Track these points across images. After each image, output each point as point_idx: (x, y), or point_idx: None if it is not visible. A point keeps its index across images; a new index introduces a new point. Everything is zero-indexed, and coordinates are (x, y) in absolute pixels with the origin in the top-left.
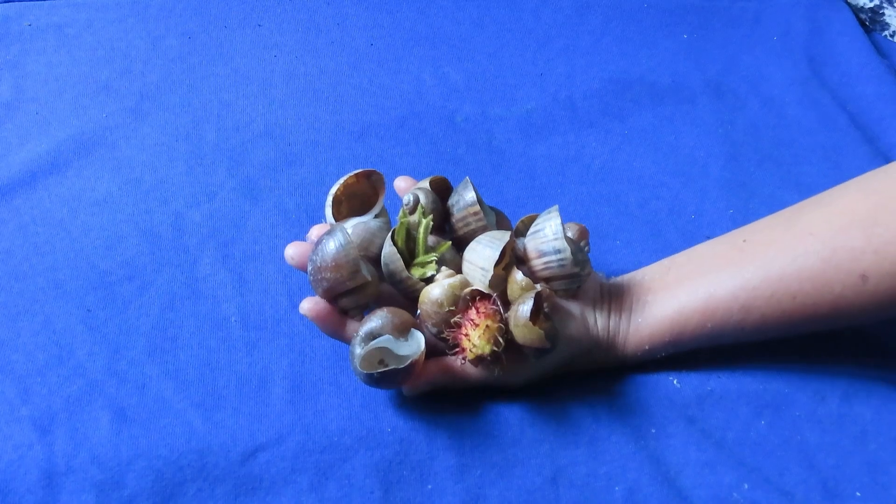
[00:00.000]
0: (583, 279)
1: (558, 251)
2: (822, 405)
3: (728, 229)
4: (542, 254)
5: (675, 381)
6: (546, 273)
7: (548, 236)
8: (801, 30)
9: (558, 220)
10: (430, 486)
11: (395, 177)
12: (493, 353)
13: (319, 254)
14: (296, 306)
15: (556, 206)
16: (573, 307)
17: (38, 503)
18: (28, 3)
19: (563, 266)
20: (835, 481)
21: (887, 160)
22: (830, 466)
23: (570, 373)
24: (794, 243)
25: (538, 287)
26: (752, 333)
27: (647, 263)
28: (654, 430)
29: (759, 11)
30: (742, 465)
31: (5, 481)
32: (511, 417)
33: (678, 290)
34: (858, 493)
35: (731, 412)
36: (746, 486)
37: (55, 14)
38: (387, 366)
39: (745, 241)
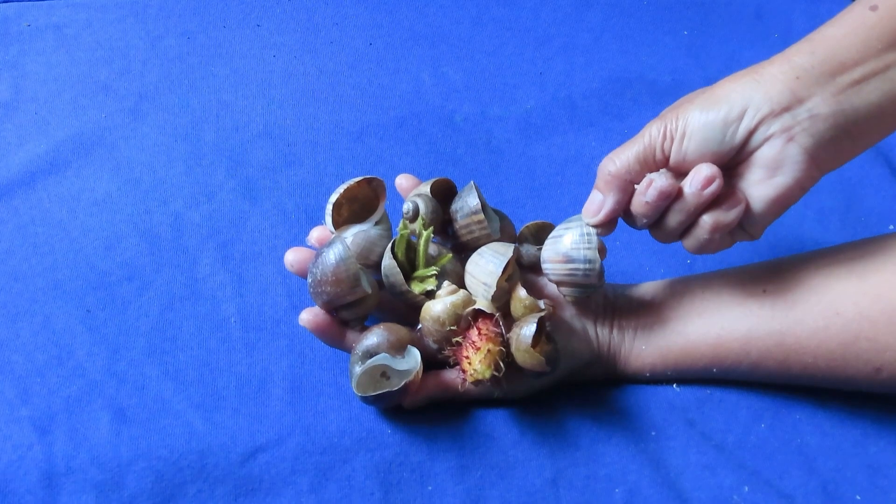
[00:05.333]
0: (597, 290)
1: (589, 261)
2: (822, 408)
3: None
4: (570, 259)
5: (674, 385)
6: (567, 279)
7: (580, 243)
8: (802, 25)
9: (593, 230)
10: (430, 488)
11: (394, 178)
12: (493, 377)
13: (319, 266)
14: (295, 307)
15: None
16: (576, 322)
17: None
18: (27, 3)
19: (588, 276)
20: (835, 484)
21: (888, 158)
22: (830, 469)
23: (570, 383)
24: (817, 317)
25: (541, 304)
26: (756, 378)
27: (648, 264)
28: (654, 433)
29: (760, 7)
30: (742, 467)
31: (5, 481)
32: (511, 419)
33: (687, 326)
34: (858, 497)
35: (731, 415)
36: (746, 488)
37: (54, 14)
38: (388, 377)
39: (764, 290)
